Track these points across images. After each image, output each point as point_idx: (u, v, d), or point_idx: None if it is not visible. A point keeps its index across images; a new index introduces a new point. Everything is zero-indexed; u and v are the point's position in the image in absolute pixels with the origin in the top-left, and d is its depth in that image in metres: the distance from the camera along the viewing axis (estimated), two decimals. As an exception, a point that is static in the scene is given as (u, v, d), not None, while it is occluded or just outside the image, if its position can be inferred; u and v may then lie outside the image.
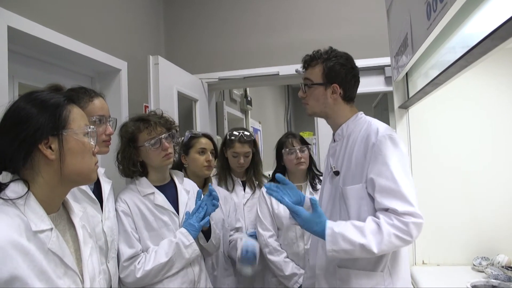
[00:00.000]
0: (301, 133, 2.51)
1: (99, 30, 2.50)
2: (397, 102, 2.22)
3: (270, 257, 2.25)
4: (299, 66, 3.07)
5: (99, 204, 1.57)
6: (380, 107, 4.01)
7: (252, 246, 2.06)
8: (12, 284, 0.83)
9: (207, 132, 2.22)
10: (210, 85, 3.46)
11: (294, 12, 3.29)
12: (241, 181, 2.51)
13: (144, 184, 1.79)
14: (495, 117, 2.15)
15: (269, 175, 2.61)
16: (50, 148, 0.97)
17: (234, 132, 2.43)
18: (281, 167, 2.40)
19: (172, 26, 3.52)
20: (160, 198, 1.78)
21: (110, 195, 1.68)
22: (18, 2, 1.85)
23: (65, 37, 2.13)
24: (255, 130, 5.45)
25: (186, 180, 1.97)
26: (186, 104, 3.17)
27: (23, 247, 0.87)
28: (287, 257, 2.26)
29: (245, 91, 4.98)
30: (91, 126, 1.06)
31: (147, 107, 2.66)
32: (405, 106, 2.16)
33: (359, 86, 1.65)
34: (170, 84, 2.74)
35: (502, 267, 1.91)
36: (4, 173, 0.96)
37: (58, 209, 1.05)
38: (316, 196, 1.74)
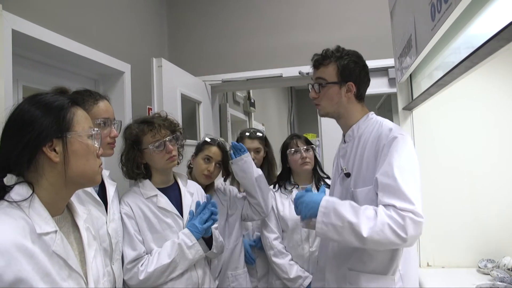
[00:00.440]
0: (304, 135, 2.51)
1: (103, 33, 2.51)
2: (401, 104, 2.21)
3: (275, 259, 2.24)
4: (302, 68, 3.17)
5: (104, 206, 1.57)
6: (384, 108, 4.01)
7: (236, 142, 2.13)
8: (16, 286, 0.83)
9: (225, 144, 2.20)
10: (214, 87, 3.46)
11: (297, 14, 3.29)
12: None
13: (148, 187, 1.79)
14: (500, 118, 2.13)
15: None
16: (55, 150, 0.97)
17: (245, 131, 2.54)
18: (286, 169, 2.40)
19: (175, 29, 3.53)
20: (163, 201, 1.77)
21: (114, 197, 1.68)
22: (23, 5, 1.86)
23: (69, 40, 2.14)
24: (258, 132, 5.44)
25: (190, 182, 1.96)
26: (189, 107, 3.17)
27: (28, 250, 0.87)
28: (292, 259, 2.25)
29: (248, 93, 4.98)
30: (96, 129, 1.06)
31: (151, 109, 2.66)
32: (409, 108, 2.14)
33: (363, 87, 1.63)
34: (174, 86, 2.74)
35: (508, 269, 1.89)
36: (8, 175, 0.96)
37: (62, 212, 1.05)
38: None
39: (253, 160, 2.40)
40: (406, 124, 2.18)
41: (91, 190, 1.53)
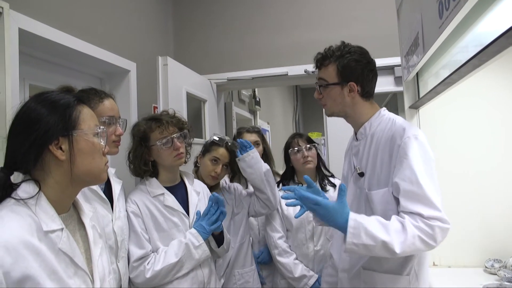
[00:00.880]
0: (309, 134, 2.50)
1: (108, 32, 2.52)
2: (407, 102, 2.19)
3: (279, 258, 2.24)
4: (308, 66, 3.15)
5: (109, 204, 1.58)
6: (390, 107, 3.98)
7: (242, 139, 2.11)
8: (24, 283, 0.83)
9: (234, 144, 2.19)
10: (219, 86, 3.46)
11: (303, 12, 3.27)
12: None
13: (154, 185, 1.79)
14: (507, 117, 2.11)
15: (278, 175, 2.60)
16: (61, 148, 0.97)
17: (242, 127, 2.63)
18: (289, 168, 2.39)
19: (181, 27, 3.52)
20: (170, 199, 1.78)
21: (120, 195, 1.69)
22: (29, 4, 1.87)
23: (75, 38, 2.15)
24: (264, 130, 5.44)
25: (196, 181, 1.97)
26: (195, 105, 3.17)
27: (35, 247, 0.87)
28: (297, 258, 2.24)
29: (254, 91, 4.97)
30: (101, 127, 1.07)
31: (156, 107, 2.67)
32: (415, 106, 2.13)
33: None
34: (179, 84, 2.74)
35: (515, 269, 1.88)
36: (15, 173, 0.97)
37: (68, 209, 1.05)
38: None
39: None
40: (412, 123, 2.15)
41: (97, 188, 1.53)
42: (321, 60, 1.55)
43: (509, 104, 2.11)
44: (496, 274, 1.92)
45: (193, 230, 1.72)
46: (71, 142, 0.98)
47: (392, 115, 1.52)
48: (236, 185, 2.30)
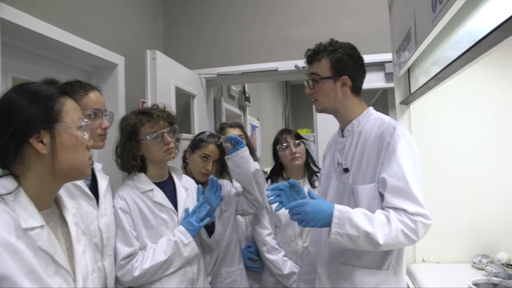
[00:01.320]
0: (298, 130, 2.49)
1: (96, 24, 2.46)
2: (398, 98, 2.18)
3: (268, 255, 2.22)
4: (298, 62, 3.14)
5: (95, 200, 1.54)
6: (379, 104, 3.99)
7: (234, 136, 2.07)
8: (0, 283, 0.79)
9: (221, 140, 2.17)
10: (208, 81, 3.42)
11: (294, 7, 3.26)
12: None
13: (143, 181, 1.76)
14: (497, 113, 2.11)
15: (266, 172, 2.58)
16: (42, 142, 0.94)
17: (223, 122, 2.66)
18: (278, 164, 2.37)
19: (170, 21, 3.47)
20: (159, 195, 1.74)
21: (107, 191, 1.65)
22: (12, -6, 1.81)
23: (61, 30, 2.09)
24: (253, 127, 5.42)
25: (184, 176, 1.94)
26: (184, 100, 3.13)
27: (12, 246, 0.83)
28: (285, 255, 2.23)
29: (244, 87, 4.95)
30: (85, 120, 1.03)
31: (144, 102, 2.62)
32: (407, 102, 2.12)
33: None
34: (168, 79, 2.71)
35: (502, 264, 1.89)
36: (-6, 168, 0.93)
37: (50, 206, 1.01)
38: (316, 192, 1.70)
39: None
40: (403, 118, 2.15)
41: (81, 183, 1.49)
42: (314, 55, 1.56)
43: (500, 100, 2.11)
44: (484, 269, 1.94)
45: (181, 228, 1.69)
46: (53, 135, 0.95)
47: (380, 114, 1.56)
48: (225, 182, 2.27)
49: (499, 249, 2.02)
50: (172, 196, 1.80)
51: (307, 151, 2.33)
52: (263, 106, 6.28)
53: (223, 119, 3.91)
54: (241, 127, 2.59)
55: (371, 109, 1.58)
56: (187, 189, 1.87)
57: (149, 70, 2.52)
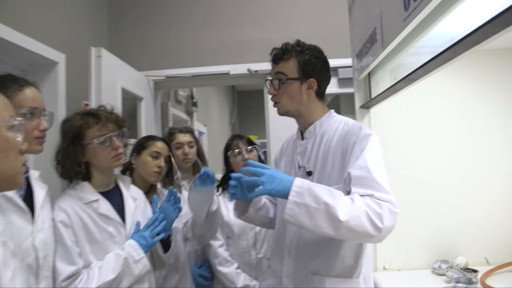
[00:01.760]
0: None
1: (34, 17, 2.25)
2: (358, 102, 2.17)
3: (220, 268, 2.14)
4: (251, 65, 3.08)
5: (30, 214, 1.33)
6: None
7: (211, 170, 1.85)
8: None
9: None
10: (157, 83, 3.29)
11: (247, 9, 3.23)
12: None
13: (86, 190, 1.57)
14: (458, 119, 2.14)
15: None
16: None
17: (173, 127, 2.50)
18: (229, 171, 2.27)
19: (117, 17, 3.29)
20: (105, 207, 1.57)
21: (45, 202, 1.44)
22: None
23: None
24: (200, 133, 5.28)
25: (132, 186, 1.78)
26: (130, 103, 2.97)
27: None
28: (239, 267, 2.16)
29: (192, 92, 4.82)
30: (18, 118, 0.88)
31: (87, 105, 2.41)
32: (367, 106, 2.11)
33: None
34: (114, 79, 2.55)
35: (461, 269, 1.91)
36: None
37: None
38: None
39: (188, 154, 2.34)
40: (363, 123, 2.13)
41: (13, 194, 1.28)
42: (281, 54, 1.49)
43: (461, 105, 2.14)
44: (444, 275, 1.95)
45: (132, 242, 1.52)
46: None
47: (343, 117, 1.55)
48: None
49: (458, 253, 2.04)
50: (119, 207, 1.63)
51: (259, 157, 2.26)
52: (210, 112, 6.19)
53: (171, 124, 3.75)
54: (191, 132, 2.47)
55: (333, 112, 1.56)
56: (135, 199, 1.71)
57: (94, 69, 2.36)
